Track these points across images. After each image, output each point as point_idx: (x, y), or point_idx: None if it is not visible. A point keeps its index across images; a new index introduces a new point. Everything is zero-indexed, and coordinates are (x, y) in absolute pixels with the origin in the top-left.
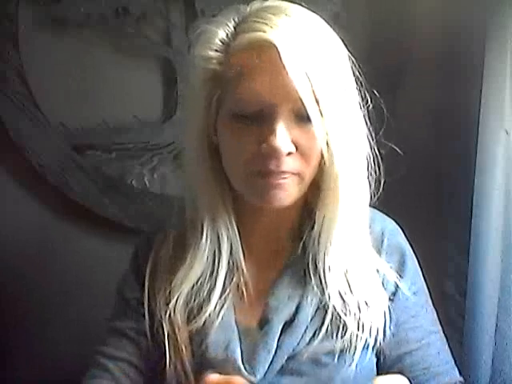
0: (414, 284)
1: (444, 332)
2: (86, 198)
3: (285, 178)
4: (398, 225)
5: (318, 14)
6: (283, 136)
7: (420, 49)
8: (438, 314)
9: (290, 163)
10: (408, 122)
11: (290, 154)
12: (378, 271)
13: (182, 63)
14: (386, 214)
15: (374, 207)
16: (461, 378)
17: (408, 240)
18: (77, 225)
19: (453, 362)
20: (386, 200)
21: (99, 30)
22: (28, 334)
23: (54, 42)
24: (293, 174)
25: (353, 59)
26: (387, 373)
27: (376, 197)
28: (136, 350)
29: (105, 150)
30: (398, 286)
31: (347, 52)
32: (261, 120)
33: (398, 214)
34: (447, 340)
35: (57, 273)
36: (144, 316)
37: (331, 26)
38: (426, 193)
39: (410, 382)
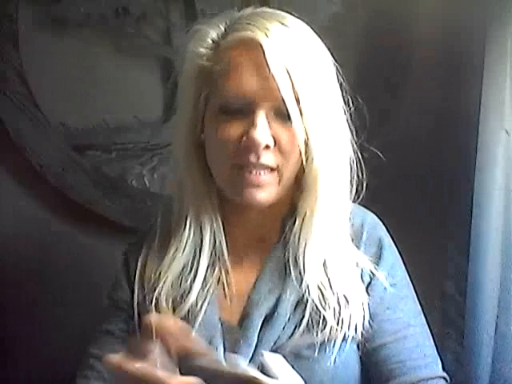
0: (392, 276)
1: (444, 332)
2: (86, 198)
3: (264, 173)
4: (381, 219)
5: (317, 14)
6: (263, 129)
7: (420, 49)
8: (437, 313)
9: (268, 157)
10: (408, 122)
11: (268, 147)
12: (357, 265)
13: None
14: (379, 213)
15: (365, 206)
16: (443, 374)
17: (390, 233)
18: (77, 225)
19: (435, 357)
20: (386, 200)
21: (99, 29)
22: (27, 334)
23: (54, 42)
24: (271, 169)
25: (337, 66)
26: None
27: (361, 197)
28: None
29: (105, 150)
30: (373, 277)
31: (332, 59)
32: (244, 115)
33: (398, 213)
34: (433, 335)
35: (56, 272)
36: (133, 318)
37: (331, 26)
38: (426, 193)
39: (386, 374)
